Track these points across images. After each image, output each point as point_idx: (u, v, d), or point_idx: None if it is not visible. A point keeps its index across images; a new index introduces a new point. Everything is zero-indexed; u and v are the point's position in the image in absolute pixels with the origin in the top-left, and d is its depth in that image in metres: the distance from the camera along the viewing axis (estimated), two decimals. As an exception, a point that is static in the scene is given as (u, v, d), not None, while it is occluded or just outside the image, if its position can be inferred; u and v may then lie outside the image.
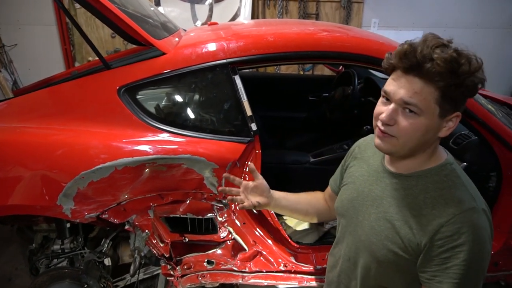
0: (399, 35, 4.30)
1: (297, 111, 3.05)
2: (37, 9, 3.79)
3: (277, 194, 1.24)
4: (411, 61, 0.81)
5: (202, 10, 3.87)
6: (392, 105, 0.87)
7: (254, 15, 3.91)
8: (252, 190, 1.20)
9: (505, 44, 4.31)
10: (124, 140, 1.40)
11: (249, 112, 1.51)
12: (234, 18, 3.84)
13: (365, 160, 1.10)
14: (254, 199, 1.20)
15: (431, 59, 0.79)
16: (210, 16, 3.88)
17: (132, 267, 1.50)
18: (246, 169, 1.56)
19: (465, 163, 1.76)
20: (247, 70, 3.11)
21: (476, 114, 1.61)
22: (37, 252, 1.79)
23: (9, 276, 2.26)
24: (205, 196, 1.53)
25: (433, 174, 0.92)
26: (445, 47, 0.81)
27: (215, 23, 2.06)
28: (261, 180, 1.20)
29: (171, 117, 1.53)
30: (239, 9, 3.81)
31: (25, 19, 3.81)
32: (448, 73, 0.79)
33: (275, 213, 1.99)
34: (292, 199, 1.29)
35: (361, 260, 1.04)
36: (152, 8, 2.27)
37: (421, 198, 0.91)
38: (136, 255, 1.50)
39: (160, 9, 3.85)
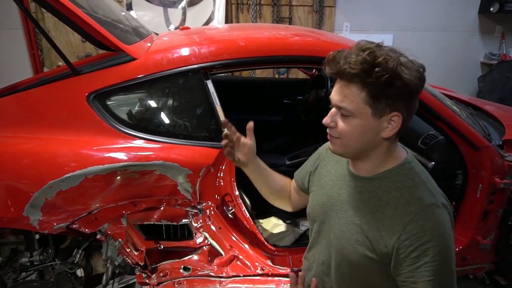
0: (370, 38, 4.35)
1: (273, 114, 3.07)
2: (1, 13, 3.66)
3: (260, 163, 1.26)
4: (335, 66, 0.87)
5: (175, 14, 3.84)
6: (333, 109, 0.94)
7: (227, 19, 3.91)
8: (241, 145, 1.21)
9: (470, 47, 4.50)
10: (94, 148, 1.37)
11: (222, 117, 1.51)
12: (207, 22, 3.83)
13: (333, 165, 1.12)
14: (238, 154, 1.21)
15: (348, 62, 0.85)
16: (183, 20, 3.86)
17: (104, 278, 1.47)
18: (220, 174, 1.56)
19: (433, 162, 1.83)
20: (221, 74, 3.12)
21: (442, 115, 1.67)
22: (5, 265, 1.72)
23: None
24: (179, 202, 1.51)
25: (393, 174, 0.95)
26: (364, 51, 0.85)
27: (187, 28, 2.05)
28: (251, 142, 1.21)
29: (143, 123, 1.51)
30: (212, 13, 3.81)
31: (-11, 23, 3.66)
32: (362, 74, 0.84)
33: (251, 217, 2.00)
34: (269, 174, 1.30)
35: (334, 264, 1.06)
36: (123, 13, 2.23)
37: (384, 200, 0.94)
38: (108, 265, 1.46)
39: (132, 13, 3.79)
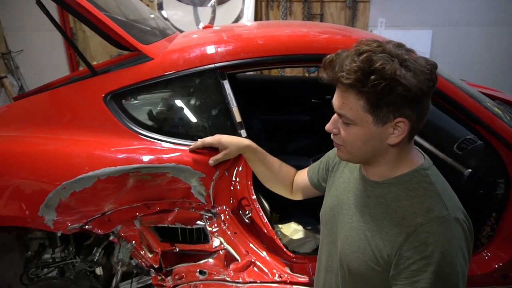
0: (407, 35, 4.19)
1: (300, 114, 2.98)
2: (42, 15, 3.80)
3: (256, 154, 1.37)
4: (331, 73, 0.82)
5: (205, 13, 3.85)
6: (335, 115, 0.89)
7: (257, 17, 3.86)
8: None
9: (520, 42, 4.15)
10: (108, 149, 1.36)
11: (238, 118, 1.46)
12: (237, 20, 3.80)
13: (349, 166, 1.07)
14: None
15: (342, 70, 0.79)
16: (213, 18, 3.86)
17: (114, 280, 1.46)
18: (236, 178, 1.50)
19: (470, 170, 1.67)
20: (249, 73, 3.06)
21: (481, 118, 1.52)
22: (33, 259, 1.77)
23: (9, 283, 2.25)
24: (193, 205, 1.48)
25: (406, 181, 0.87)
26: (360, 55, 0.77)
27: (210, 26, 2.01)
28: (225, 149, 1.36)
29: (157, 124, 1.49)
30: (241, 11, 3.77)
31: (31, 25, 3.85)
32: (357, 83, 0.77)
33: (270, 221, 1.93)
34: (267, 165, 1.37)
35: (340, 271, 1.01)
36: (150, 13, 2.24)
37: (392, 207, 0.87)
38: (119, 267, 1.45)
39: (163, 13, 3.85)
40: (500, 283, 1.72)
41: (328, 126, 0.91)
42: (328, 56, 0.84)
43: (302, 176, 1.32)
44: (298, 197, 1.38)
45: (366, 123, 0.82)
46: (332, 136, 0.92)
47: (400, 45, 0.81)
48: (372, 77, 0.76)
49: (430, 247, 0.78)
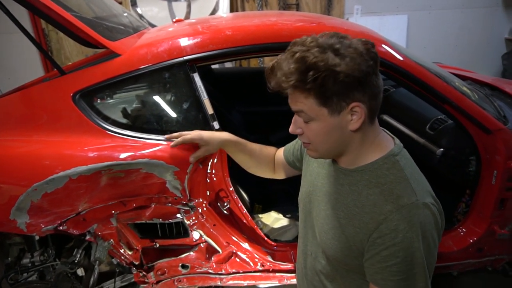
0: (383, 21, 4.21)
1: (281, 104, 2.97)
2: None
3: (236, 146, 1.33)
4: (274, 79, 0.82)
5: (180, 8, 3.80)
6: (295, 116, 0.89)
7: (232, 10, 3.83)
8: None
9: (493, 23, 4.22)
10: (79, 148, 1.35)
11: (210, 111, 1.46)
12: (213, 13, 3.76)
13: None
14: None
15: (283, 74, 0.80)
16: (188, 13, 3.81)
17: (91, 280, 1.46)
18: (212, 170, 1.51)
19: (442, 149, 1.71)
20: (228, 66, 3.02)
21: (448, 97, 1.55)
22: (14, 265, 1.75)
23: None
24: (169, 200, 1.48)
25: (376, 168, 0.88)
26: (293, 56, 0.79)
27: (181, 20, 1.99)
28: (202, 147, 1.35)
29: (129, 120, 1.47)
30: (217, 4, 3.74)
31: (1, 27, 3.74)
32: (298, 83, 0.79)
33: (253, 211, 1.94)
34: (247, 153, 1.34)
35: (318, 256, 1.03)
36: (125, 13, 2.20)
37: (364, 195, 0.88)
38: (96, 266, 1.45)
39: (138, 9, 3.78)
40: (476, 257, 1.78)
41: (291, 128, 0.91)
42: (269, 64, 0.85)
43: (280, 155, 1.32)
44: (280, 175, 1.36)
45: (323, 117, 0.83)
46: (298, 137, 0.93)
47: (332, 35, 0.82)
48: (310, 73, 0.77)
49: (401, 233, 0.79)
